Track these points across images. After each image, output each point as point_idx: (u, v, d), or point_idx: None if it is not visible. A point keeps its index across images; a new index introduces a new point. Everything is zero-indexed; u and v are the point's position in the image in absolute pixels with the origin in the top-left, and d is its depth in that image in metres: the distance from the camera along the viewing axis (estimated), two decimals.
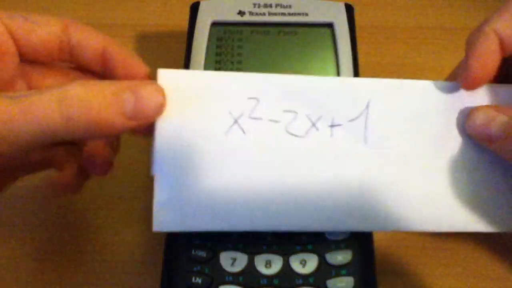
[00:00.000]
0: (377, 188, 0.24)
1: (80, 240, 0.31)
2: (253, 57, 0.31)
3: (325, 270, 0.26)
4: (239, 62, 0.31)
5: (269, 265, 0.26)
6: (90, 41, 0.24)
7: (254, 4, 0.33)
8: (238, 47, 0.32)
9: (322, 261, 0.26)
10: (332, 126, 0.24)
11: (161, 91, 0.22)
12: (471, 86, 0.25)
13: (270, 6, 0.33)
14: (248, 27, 0.32)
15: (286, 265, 0.26)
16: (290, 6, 0.33)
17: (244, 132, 0.23)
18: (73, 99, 0.20)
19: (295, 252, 0.26)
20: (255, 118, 0.24)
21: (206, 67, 0.30)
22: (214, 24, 0.32)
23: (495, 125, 0.24)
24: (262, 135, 0.24)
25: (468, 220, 0.24)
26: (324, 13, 0.32)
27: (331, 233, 0.26)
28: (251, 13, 0.32)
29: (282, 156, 0.24)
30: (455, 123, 0.25)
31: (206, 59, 0.31)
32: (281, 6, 0.33)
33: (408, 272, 0.30)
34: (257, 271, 0.26)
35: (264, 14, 0.32)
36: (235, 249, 0.26)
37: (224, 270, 0.26)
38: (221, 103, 0.24)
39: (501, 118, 0.23)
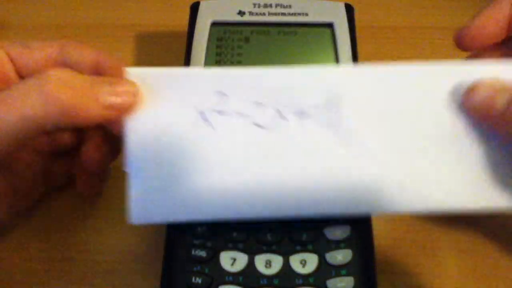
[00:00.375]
0: (349, 175, 0.24)
1: (80, 241, 0.31)
2: (253, 57, 0.31)
3: (325, 270, 0.26)
4: (239, 62, 0.31)
5: (269, 265, 0.26)
6: (83, 57, 0.26)
7: (254, 4, 0.33)
8: (238, 47, 0.32)
9: (322, 261, 0.26)
10: (301, 117, 0.24)
11: (136, 86, 0.24)
12: (464, 41, 0.25)
13: (270, 6, 0.33)
14: (248, 27, 0.32)
15: (286, 265, 0.26)
16: (290, 6, 0.33)
17: (212, 127, 0.24)
18: (54, 78, 0.22)
19: (295, 252, 0.26)
20: (222, 113, 0.24)
21: (207, 67, 0.30)
22: (214, 24, 0.32)
23: (500, 99, 0.23)
24: (230, 129, 0.24)
25: (455, 199, 0.24)
26: (324, 13, 0.32)
27: (331, 232, 0.26)
28: (251, 13, 0.32)
29: (251, 148, 0.24)
30: (434, 104, 0.24)
31: (206, 59, 0.31)
32: (281, 6, 0.33)
33: (408, 272, 0.30)
34: (257, 271, 0.26)
35: (264, 14, 0.32)
36: (235, 249, 0.26)
37: (224, 270, 0.26)
38: (189, 99, 0.24)
39: (507, 92, 0.23)
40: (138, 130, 0.24)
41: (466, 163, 0.24)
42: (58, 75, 0.22)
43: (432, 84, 0.25)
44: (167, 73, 0.25)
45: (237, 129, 0.24)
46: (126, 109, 0.23)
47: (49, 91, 0.21)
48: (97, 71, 0.26)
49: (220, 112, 0.24)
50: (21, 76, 0.26)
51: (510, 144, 0.24)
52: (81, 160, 0.27)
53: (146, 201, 0.24)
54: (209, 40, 0.31)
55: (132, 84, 0.24)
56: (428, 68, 0.25)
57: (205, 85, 0.24)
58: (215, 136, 0.24)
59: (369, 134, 0.24)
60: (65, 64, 0.26)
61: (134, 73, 0.24)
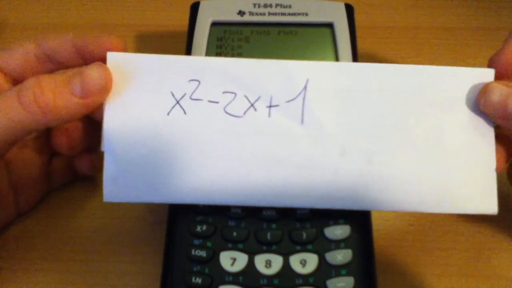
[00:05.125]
0: (312, 166, 0.25)
1: (79, 240, 0.31)
2: (253, 57, 0.31)
3: (325, 270, 0.26)
4: None
5: (269, 265, 0.26)
6: (61, 45, 0.27)
7: (254, 4, 0.33)
8: (238, 47, 0.32)
9: (322, 261, 0.26)
10: (270, 106, 0.25)
11: (104, 68, 0.25)
12: (500, 67, 0.25)
13: (270, 6, 0.33)
14: (248, 27, 0.32)
15: (286, 265, 0.26)
16: (290, 6, 0.33)
17: (185, 112, 0.25)
18: (27, 89, 0.24)
19: (295, 252, 0.26)
20: (195, 99, 0.25)
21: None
22: (214, 24, 0.32)
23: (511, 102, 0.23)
24: (202, 115, 0.25)
25: (413, 199, 0.25)
26: (324, 13, 0.32)
27: (331, 232, 0.26)
28: (251, 13, 0.32)
29: (221, 135, 0.25)
30: (398, 103, 0.25)
31: None
32: (281, 6, 0.33)
33: (408, 272, 0.30)
34: (257, 271, 0.26)
35: (264, 14, 0.32)
36: (235, 249, 0.26)
37: (224, 270, 0.26)
38: (164, 84, 0.25)
39: None
40: (115, 112, 0.25)
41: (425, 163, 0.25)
42: (34, 81, 0.24)
43: (397, 82, 0.26)
44: (146, 58, 0.26)
45: (209, 116, 0.25)
46: (100, 92, 0.24)
47: (26, 98, 0.23)
48: (81, 54, 0.26)
49: (193, 99, 0.25)
50: (8, 75, 0.27)
51: None
52: (52, 144, 0.28)
53: (119, 180, 0.25)
54: (209, 40, 0.31)
55: (102, 67, 0.25)
56: (391, 67, 0.26)
57: (181, 72, 0.25)
58: (188, 122, 0.25)
59: (332, 125, 0.25)
60: (45, 55, 0.27)
61: (114, 57, 0.25)
